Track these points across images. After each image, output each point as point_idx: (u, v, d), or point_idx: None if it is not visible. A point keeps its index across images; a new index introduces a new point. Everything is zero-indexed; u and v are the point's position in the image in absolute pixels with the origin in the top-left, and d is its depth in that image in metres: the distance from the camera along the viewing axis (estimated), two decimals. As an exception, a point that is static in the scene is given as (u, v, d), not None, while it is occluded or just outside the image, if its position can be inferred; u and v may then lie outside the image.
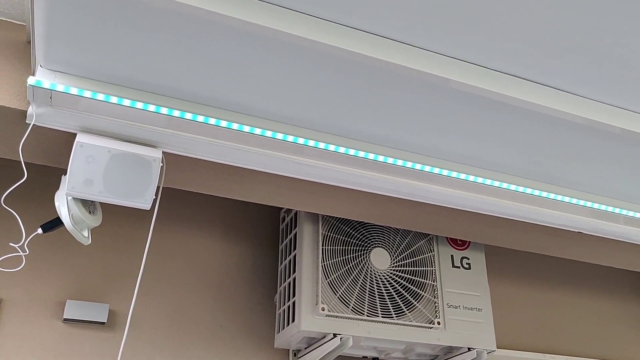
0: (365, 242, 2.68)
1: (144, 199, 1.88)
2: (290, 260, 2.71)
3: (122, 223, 2.73)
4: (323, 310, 2.42)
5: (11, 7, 1.85)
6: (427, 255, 2.77)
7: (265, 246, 3.05)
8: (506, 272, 3.44)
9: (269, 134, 1.85)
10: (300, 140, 1.85)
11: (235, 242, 3.02)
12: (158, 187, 1.90)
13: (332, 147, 1.89)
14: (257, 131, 1.83)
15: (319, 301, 2.45)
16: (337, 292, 2.51)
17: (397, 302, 2.61)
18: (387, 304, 2.58)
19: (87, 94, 1.70)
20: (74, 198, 1.85)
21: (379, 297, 2.58)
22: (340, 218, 2.68)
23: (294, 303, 2.55)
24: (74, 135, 1.92)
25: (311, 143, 1.86)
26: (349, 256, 2.62)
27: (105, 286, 2.64)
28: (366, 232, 2.71)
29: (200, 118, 1.80)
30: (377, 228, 2.73)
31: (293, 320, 2.51)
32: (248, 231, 3.05)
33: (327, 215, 2.67)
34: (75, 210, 1.85)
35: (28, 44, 1.88)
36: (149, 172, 1.88)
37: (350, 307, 2.50)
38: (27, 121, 1.83)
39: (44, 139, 1.93)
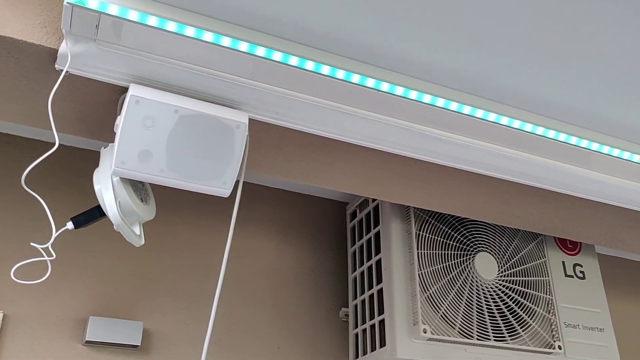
0: (467, 245, 2.13)
1: (222, 182, 1.32)
2: (370, 267, 2.14)
3: (158, 217, 2.14)
4: (425, 333, 1.86)
5: None
6: (539, 261, 2.23)
7: (328, 248, 2.49)
8: (621, 284, 2.91)
9: (427, 99, 1.29)
10: (479, 113, 1.30)
11: (292, 243, 2.45)
12: (241, 166, 1.33)
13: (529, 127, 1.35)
14: (413, 94, 1.28)
15: (419, 321, 1.89)
16: (440, 309, 1.96)
17: (510, 321, 2.05)
18: (498, 323, 2.03)
19: (152, 20, 1.14)
20: (122, 179, 1.28)
21: (488, 315, 2.03)
22: (434, 213, 2.13)
23: (381, 322, 1.99)
24: (121, 91, 1.35)
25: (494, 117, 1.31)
26: (449, 263, 2.06)
27: (137, 299, 2.07)
28: (466, 232, 2.15)
29: (310, 65, 1.24)
30: (478, 227, 2.18)
31: (382, 345, 1.95)
32: (307, 230, 2.49)
33: (418, 210, 2.11)
34: (124, 197, 1.27)
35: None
36: (231, 143, 1.31)
37: (457, 329, 1.95)
38: (56, 66, 1.25)
39: (78, 96, 1.35)
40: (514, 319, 2.07)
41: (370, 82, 1.29)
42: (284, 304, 2.32)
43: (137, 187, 1.34)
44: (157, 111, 1.24)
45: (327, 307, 2.40)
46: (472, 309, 2.02)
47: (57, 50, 1.23)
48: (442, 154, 1.49)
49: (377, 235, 2.15)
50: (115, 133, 1.33)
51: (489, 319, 2.03)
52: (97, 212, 1.33)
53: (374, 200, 2.23)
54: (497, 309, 2.06)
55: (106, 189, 1.27)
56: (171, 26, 1.15)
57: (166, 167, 1.27)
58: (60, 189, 2.09)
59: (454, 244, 2.11)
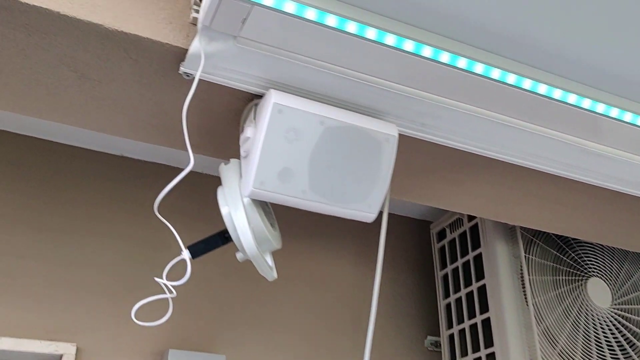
0: (578, 270, 1.92)
1: (367, 204, 1.12)
2: (470, 293, 1.94)
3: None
4: (546, 371, 1.66)
5: None
6: (654, 287, 2.02)
7: (410, 271, 2.29)
8: None
9: (600, 108, 1.10)
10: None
11: (371, 266, 2.24)
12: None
13: None
14: (586, 103, 1.09)
15: (538, 357, 1.68)
16: (557, 344, 1.75)
17: (630, 356, 1.85)
18: (619, 358, 1.82)
19: (311, 13, 0.94)
20: (253, 200, 1.08)
21: (608, 350, 1.82)
22: (540, 233, 1.93)
23: (489, 355, 1.79)
24: (246, 99, 1.16)
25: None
26: (562, 289, 1.86)
27: (217, 330, 1.87)
28: (575, 254, 1.95)
29: (479, 68, 1.05)
30: (586, 249, 1.98)
31: (490, 383, 1.75)
32: (386, 252, 2.28)
33: (524, 230, 1.91)
34: (257, 222, 1.08)
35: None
36: (378, 159, 1.12)
37: (577, 366, 1.74)
38: (182, 69, 1.06)
39: (197, 105, 1.16)
40: (636, 354, 1.86)
41: (541, 89, 1.10)
42: (366, 331, 2.12)
43: (266, 209, 1.15)
44: (301, 122, 1.05)
45: (410, 335, 2.20)
46: (590, 343, 1.81)
47: (186, 49, 1.04)
48: (603, 173, 1.30)
49: (477, 257, 1.95)
50: (241, 148, 1.14)
51: (610, 355, 1.82)
52: (220, 239, 1.13)
53: (470, 218, 2.03)
54: (615, 341, 1.86)
55: (236, 212, 1.07)
56: (331, 21, 0.96)
57: (308, 188, 1.07)
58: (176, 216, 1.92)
59: (565, 268, 1.91)
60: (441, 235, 2.19)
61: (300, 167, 1.07)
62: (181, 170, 1.02)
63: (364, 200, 1.12)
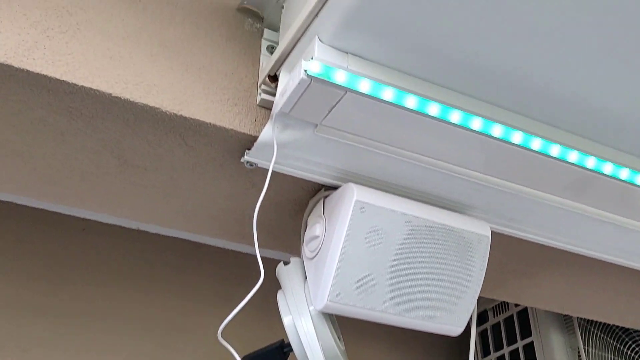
0: (640, 363, 1.75)
1: (454, 317, 0.96)
2: (522, 388, 1.76)
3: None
4: None
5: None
6: None
7: (445, 357, 2.10)
8: None
9: None
10: None
11: (404, 353, 2.07)
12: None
13: None
14: None
15: None
16: None
17: None
18: None
19: (411, 101, 0.80)
20: (323, 313, 0.92)
21: None
22: (598, 323, 1.76)
23: None
24: (312, 190, 1.01)
25: None
26: (625, 386, 1.69)
27: None
28: (635, 345, 1.78)
29: (573, 156, 0.91)
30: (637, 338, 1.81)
31: None
32: (420, 342, 2.10)
33: (581, 320, 1.74)
34: (327, 338, 0.91)
35: (239, 11, 0.98)
36: (468, 263, 0.96)
37: None
38: (246, 157, 0.91)
39: (274, 198, 1.01)
40: None
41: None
42: None
43: (332, 319, 0.98)
44: (385, 222, 0.90)
45: None
46: None
47: (253, 136, 0.89)
48: None
49: (528, 347, 1.78)
50: (304, 246, 0.98)
51: None
52: (279, 354, 0.96)
53: (517, 303, 1.87)
54: None
55: (303, 324, 0.90)
56: (434, 109, 0.82)
57: (389, 299, 0.91)
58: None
59: (626, 361, 1.74)
60: (482, 318, 2.01)
61: (381, 274, 0.90)
62: (203, 246, 0.87)
63: (452, 312, 0.96)
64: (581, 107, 0.85)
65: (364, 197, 0.89)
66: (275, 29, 1.01)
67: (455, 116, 0.83)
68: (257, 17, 1.01)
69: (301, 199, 1.04)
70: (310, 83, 0.76)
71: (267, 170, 0.94)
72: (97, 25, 0.86)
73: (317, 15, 0.78)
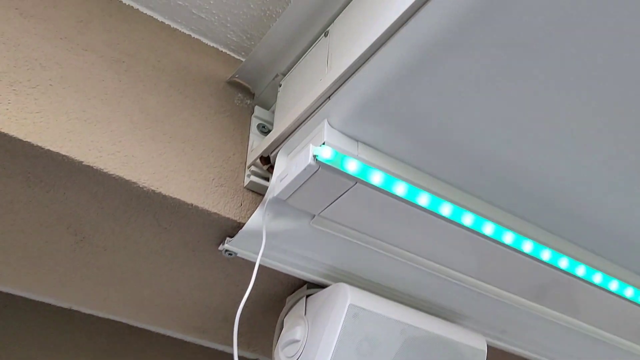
0: None
1: None
2: None
3: None
4: None
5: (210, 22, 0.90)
6: None
7: None
8: None
9: None
10: None
11: None
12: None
13: None
14: None
15: None
16: None
17: None
18: None
19: (424, 199, 0.73)
20: None
21: None
22: None
23: None
24: (291, 287, 0.91)
25: None
26: None
27: None
28: None
29: (581, 270, 0.85)
30: None
31: None
32: None
33: None
34: None
35: (229, 85, 0.90)
36: (463, 381, 0.86)
37: None
38: (228, 246, 0.80)
39: (234, 287, 0.89)
40: None
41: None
42: None
43: None
44: (380, 330, 0.80)
45: None
46: None
47: (238, 222, 0.79)
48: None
49: None
50: (279, 349, 0.86)
51: None
52: None
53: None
54: None
55: None
56: (446, 209, 0.74)
57: (378, 422, 0.79)
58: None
59: None
60: None
61: (372, 391, 0.79)
62: (143, 331, 0.74)
63: None
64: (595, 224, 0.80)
65: (358, 301, 0.79)
66: (267, 107, 0.93)
67: (468, 219, 0.76)
68: (248, 92, 0.93)
69: (277, 295, 0.93)
70: (317, 170, 0.68)
71: (246, 260, 0.84)
72: (73, 83, 0.75)
73: (329, 97, 0.71)
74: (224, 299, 0.94)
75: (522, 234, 0.79)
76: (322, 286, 0.88)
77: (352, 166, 0.69)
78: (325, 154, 0.67)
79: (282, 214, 0.77)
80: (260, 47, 0.87)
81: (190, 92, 0.86)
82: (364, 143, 0.73)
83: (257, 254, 0.81)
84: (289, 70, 0.88)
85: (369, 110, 0.69)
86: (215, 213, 0.77)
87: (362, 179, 0.69)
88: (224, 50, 0.95)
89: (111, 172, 0.72)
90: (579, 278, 0.85)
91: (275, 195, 0.72)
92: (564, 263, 0.83)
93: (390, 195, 0.72)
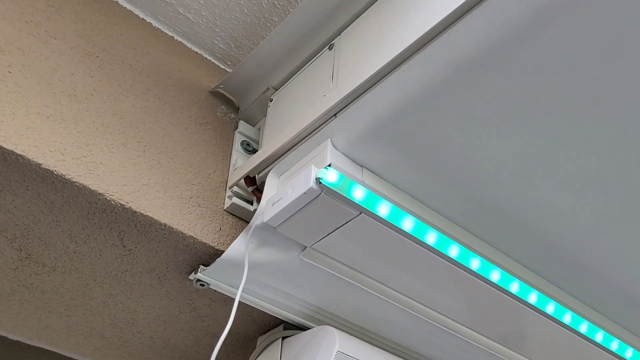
0: None
1: None
2: None
3: None
4: None
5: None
6: None
7: None
8: None
9: None
10: None
11: None
12: None
13: None
14: None
15: None
16: None
17: None
18: None
19: (432, 237, 0.65)
20: None
21: None
22: None
23: None
24: (265, 326, 0.80)
25: None
26: None
27: None
28: None
29: (599, 336, 0.79)
30: None
31: None
32: None
33: None
34: None
35: (212, 95, 0.81)
36: None
37: None
38: (201, 275, 0.70)
39: (198, 322, 0.79)
40: None
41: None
42: None
43: None
44: (367, 382, 0.70)
45: None
46: None
47: (216, 250, 0.69)
48: None
49: None
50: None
51: None
52: None
53: None
54: None
55: None
56: (453, 250, 0.66)
57: None
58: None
59: None
60: None
61: None
62: None
63: None
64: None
65: (346, 348, 0.70)
66: (252, 123, 0.84)
67: (475, 263, 0.68)
68: (232, 106, 0.84)
69: (248, 334, 0.83)
70: (319, 195, 0.59)
71: (219, 293, 0.73)
72: (37, 73, 0.64)
73: (335, 115, 0.63)
74: (187, 335, 0.82)
75: (529, 283, 0.72)
76: (300, 328, 0.78)
77: (358, 194, 0.60)
78: (331, 177, 0.58)
79: (267, 243, 0.67)
80: (252, 58, 0.79)
81: (170, 98, 0.76)
82: (369, 169, 0.65)
83: (233, 287, 0.71)
84: (282, 85, 0.79)
85: (381, 132, 0.61)
86: (190, 236, 0.67)
87: (367, 209, 0.61)
88: (208, 58, 0.86)
89: (74, 180, 0.61)
90: (580, 335, 0.79)
91: (264, 221, 0.63)
92: (567, 318, 0.76)
93: (396, 229, 0.63)
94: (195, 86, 0.81)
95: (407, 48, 0.56)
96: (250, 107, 0.83)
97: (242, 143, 0.80)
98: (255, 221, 0.65)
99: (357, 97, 0.61)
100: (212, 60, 0.87)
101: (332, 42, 0.72)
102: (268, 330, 0.81)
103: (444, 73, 0.55)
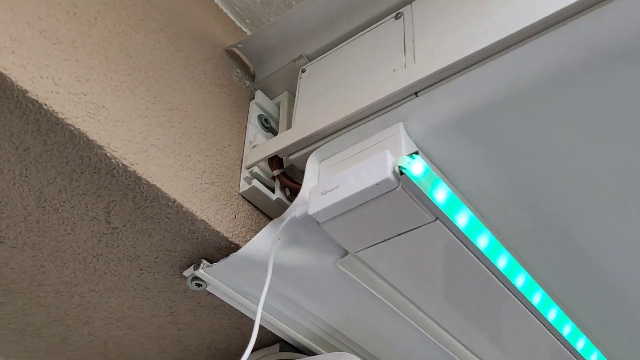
0: None
1: None
2: None
3: None
4: None
5: None
6: None
7: None
8: None
9: None
10: None
11: None
12: None
13: None
14: None
15: None
16: None
17: None
18: None
19: (502, 261, 0.53)
20: None
21: None
22: None
23: None
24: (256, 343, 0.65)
25: None
26: None
27: None
28: None
29: None
30: None
31: None
32: None
33: None
34: None
35: (227, 54, 0.66)
36: None
37: None
38: (202, 272, 0.54)
39: (184, 338, 0.62)
40: None
41: None
42: None
43: None
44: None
45: None
46: None
47: (228, 240, 0.54)
48: None
49: None
50: None
51: None
52: None
53: None
54: None
55: None
56: (520, 280, 0.55)
57: None
58: None
59: None
60: None
61: None
62: None
63: None
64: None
65: None
66: (270, 95, 0.69)
67: (537, 297, 0.57)
68: (247, 71, 0.69)
69: (229, 350, 0.67)
70: (395, 189, 0.46)
71: (214, 298, 0.58)
72: (31, -27, 0.47)
73: (416, 94, 0.50)
74: (151, 344, 0.66)
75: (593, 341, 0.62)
76: (301, 351, 0.64)
77: (441, 195, 0.48)
78: (417, 169, 0.46)
79: (297, 243, 0.53)
80: (286, 18, 0.64)
81: (183, 45, 0.60)
82: (439, 168, 0.53)
83: (239, 292, 0.56)
84: (319, 55, 0.66)
85: (469, 124, 0.50)
86: (202, 221, 0.52)
87: (447, 215, 0.48)
88: (224, 10, 0.71)
89: (69, 121, 0.44)
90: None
91: (309, 213, 0.49)
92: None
93: (469, 246, 0.51)
94: (210, 39, 0.65)
95: (535, 23, 0.45)
96: (271, 77, 0.68)
97: (260, 117, 0.65)
98: (293, 212, 0.51)
99: (449, 76, 0.49)
100: (229, 15, 0.71)
101: (400, 11, 0.60)
102: (256, 349, 0.66)
103: (582, 61, 0.44)
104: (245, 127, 0.63)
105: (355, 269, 0.55)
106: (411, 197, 0.46)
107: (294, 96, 0.64)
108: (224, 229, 0.53)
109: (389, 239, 0.51)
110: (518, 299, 0.56)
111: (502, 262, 0.53)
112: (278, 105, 0.68)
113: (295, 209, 0.51)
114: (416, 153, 0.46)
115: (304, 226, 0.52)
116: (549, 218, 0.56)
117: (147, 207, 0.50)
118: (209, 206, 0.53)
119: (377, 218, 0.49)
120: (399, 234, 0.50)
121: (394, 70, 0.54)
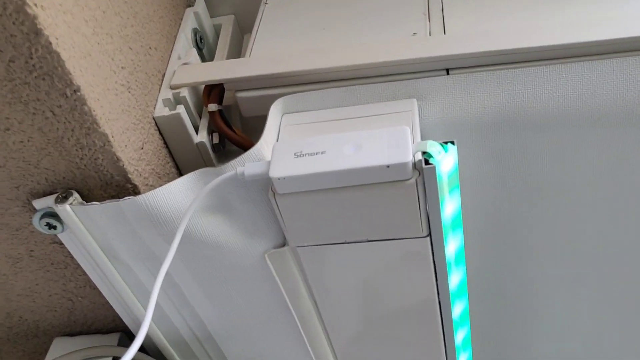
0: None
1: None
2: None
3: None
4: None
5: None
6: None
7: None
8: None
9: None
10: None
11: None
12: None
13: None
14: None
15: None
16: None
17: None
18: None
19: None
20: None
21: None
22: None
23: None
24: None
25: None
26: None
27: None
28: None
29: None
30: None
31: None
32: None
33: None
34: None
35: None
36: None
37: None
38: (41, 206, 0.36)
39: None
40: None
41: None
42: None
43: None
44: None
45: None
46: None
47: (127, 178, 0.36)
48: None
49: None
50: None
51: None
52: None
53: None
54: None
55: None
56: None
57: None
58: None
59: None
60: None
61: None
62: None
63: None
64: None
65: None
66: (213, 12, 0.52)
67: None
68: (190, -31, 0.51)
69: (39, 325, 0.47)
70: (408, 180, 0.33)
71: (65, 251, 0.40)
72: None
73: (448, 72, 0.39)
74: None
75: None
76: (146, 351, 0.47)
77: (450, 207, 0.36)
78: (447, 164, 0.33)
79: (226, 213, 0.38)
80: None
81: None
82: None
83: (105, 252, 0.38)
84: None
85: (501, 132, 0.39)
86: (103, 134, 0.34)
87: (442, 234, 0.37)
88: None
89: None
90: None
91: (260, 174, 0.34)
92: None
93: (441, 281, 0.40)
94: None
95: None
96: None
97: (195, 32, 0.48)
98: (239, 168, 0.35)
99: (499, 64, 0.38)
100: None
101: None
102: (86, 333, 0.48)
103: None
104: (176, 35, 0.46)
105: (283, 267, 0.40)
106: (419, 198, 0.34)
107: (242, 24, 0.48)
108: (126, 158, 0.35)
109: (354, 242, 0.37)
110: None
111: (457, 311, 0.43)
112: (217, 27, 0.52)
113: (245, 165, 0.35)
114: (452, 142, 0.34)
115: (243, 191, 0.36)
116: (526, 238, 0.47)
117: (32, 83, 0.31)
118: (118, 119, 0.35)
119: (357, 211, 0.35)
120: (371, 240, 0.37)
121: (414, 33, 0.41)
